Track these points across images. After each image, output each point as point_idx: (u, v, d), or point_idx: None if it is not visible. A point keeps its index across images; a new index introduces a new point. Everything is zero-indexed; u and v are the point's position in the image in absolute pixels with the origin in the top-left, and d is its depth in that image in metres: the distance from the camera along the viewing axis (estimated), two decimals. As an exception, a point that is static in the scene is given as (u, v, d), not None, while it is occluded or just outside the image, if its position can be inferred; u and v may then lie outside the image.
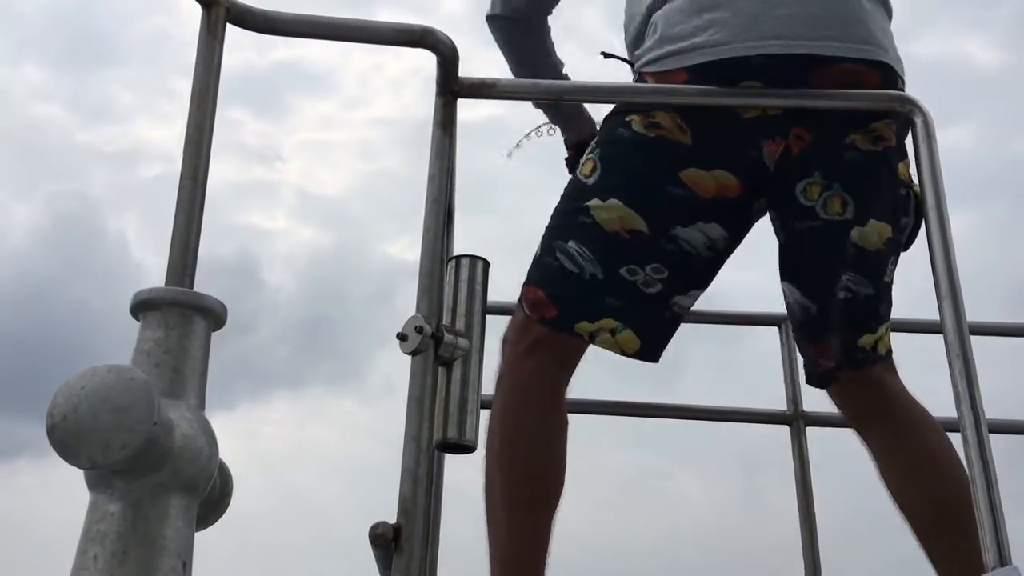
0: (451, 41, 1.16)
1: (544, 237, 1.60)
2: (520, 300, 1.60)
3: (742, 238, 1.60)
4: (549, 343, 1.55)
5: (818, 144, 1.46)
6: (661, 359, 1.58)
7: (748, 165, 1.49)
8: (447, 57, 1.17)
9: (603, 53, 1.77)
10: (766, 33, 1.43)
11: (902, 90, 1.47)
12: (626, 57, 1.73)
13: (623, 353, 1.55)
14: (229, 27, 1.06)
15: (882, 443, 1.56)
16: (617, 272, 1.52)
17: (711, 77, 1.44)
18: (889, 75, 1.46)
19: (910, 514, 1.52)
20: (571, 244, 1.54)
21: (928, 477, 1.51)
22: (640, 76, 1.58)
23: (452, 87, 1.19)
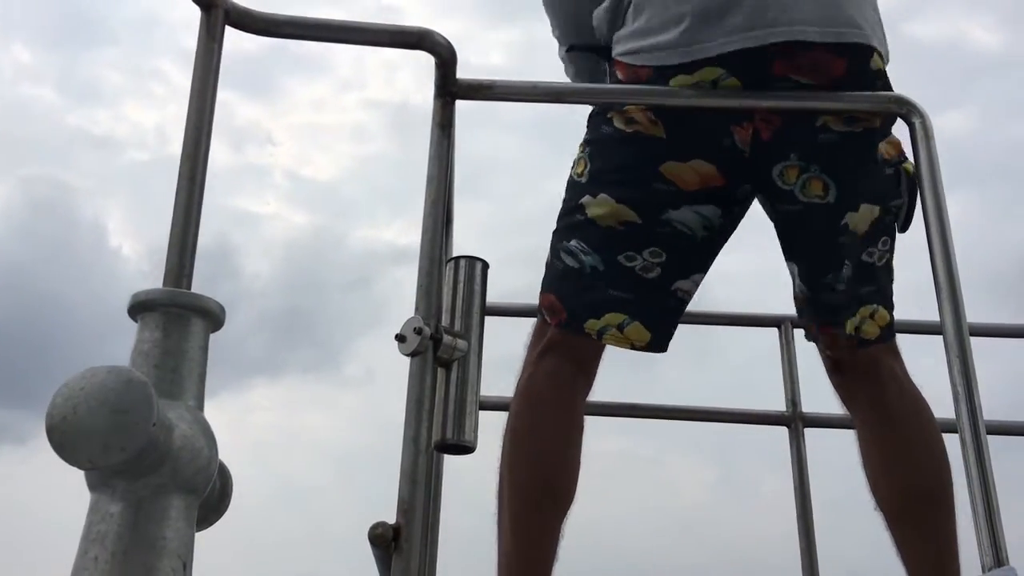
0: (449, 43, 1.16)
1: (551, 242, 1.62)
2: (539, 308, 1.62)
3: (737, 222, 1.60)
4: (562, 345, 1.56)
5: (789, 126, 1.45)
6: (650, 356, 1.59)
7: (724, 152, 1.49)
8: (445, 59, 1.17)
9: (569, 47, 1.76)
10: (730, 27, 1.42)
11: (880, 67, 1.47)
12: (594, 43, 1.71)
13: (633, 347, 1.56)
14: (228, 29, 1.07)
15: (866, 428, 1.56)
16: (616, 260, 1.53)
17: (677, 71, 1.45)
18: (857, 57, 1.44)
19: (880, 502, 1.52)
20: (572, 243, 1.56)
21: (901, 467, 1.50)
22: (612, 63, 1.58)
23: (450, 88, 1.20)
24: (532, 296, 1.69)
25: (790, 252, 1.59)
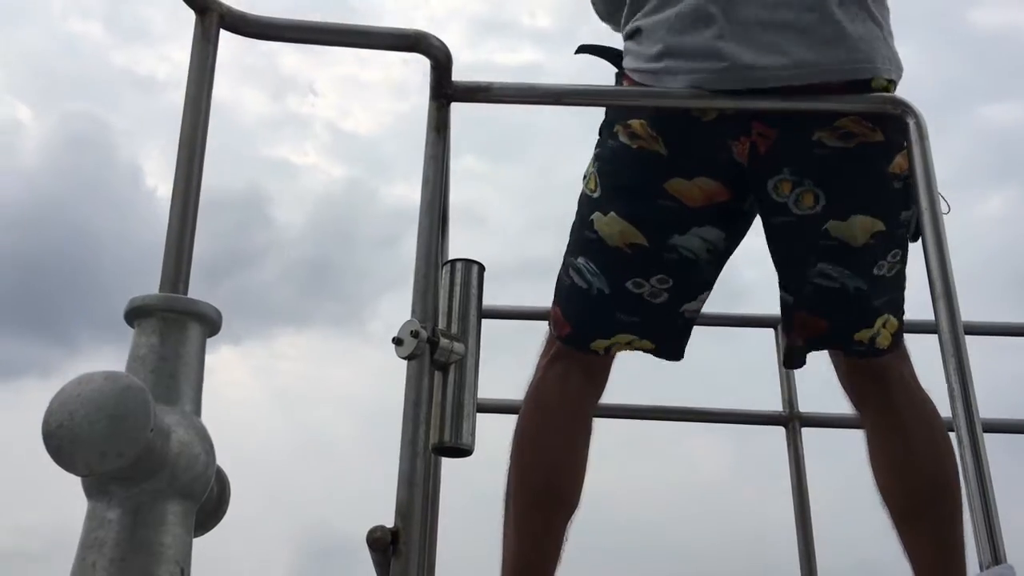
0: (444, 46, 1.16)
1: (564, 254, 1.63)
2: (549, 317, 1.64)
3: (742, 236, 1.61)
4: (570, 355, 1.59)
5: (784, 141, 1.46)
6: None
7: (725, 167, 1.49)
8: (441, 61, 1.17)
9: (580, 47, 1.71)
10: (754, 79, 1.40)
11: (886, 88, 1.46)
12: (606, 46, 1.68)
13: (642, 351, 1.60)
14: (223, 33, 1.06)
15: (874, 431, 1.58)
16: (623, 286, 1.55)
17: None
18: (860, 81, 1.43)
19: (887, 501, 1.54)
20: (580, 260, 1.57)
21: (908, 468, 1.52)
22: (621, 73, 1.58)
23: (446, 91, 1.20)
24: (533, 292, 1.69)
25: (776, 264, 1.58)
